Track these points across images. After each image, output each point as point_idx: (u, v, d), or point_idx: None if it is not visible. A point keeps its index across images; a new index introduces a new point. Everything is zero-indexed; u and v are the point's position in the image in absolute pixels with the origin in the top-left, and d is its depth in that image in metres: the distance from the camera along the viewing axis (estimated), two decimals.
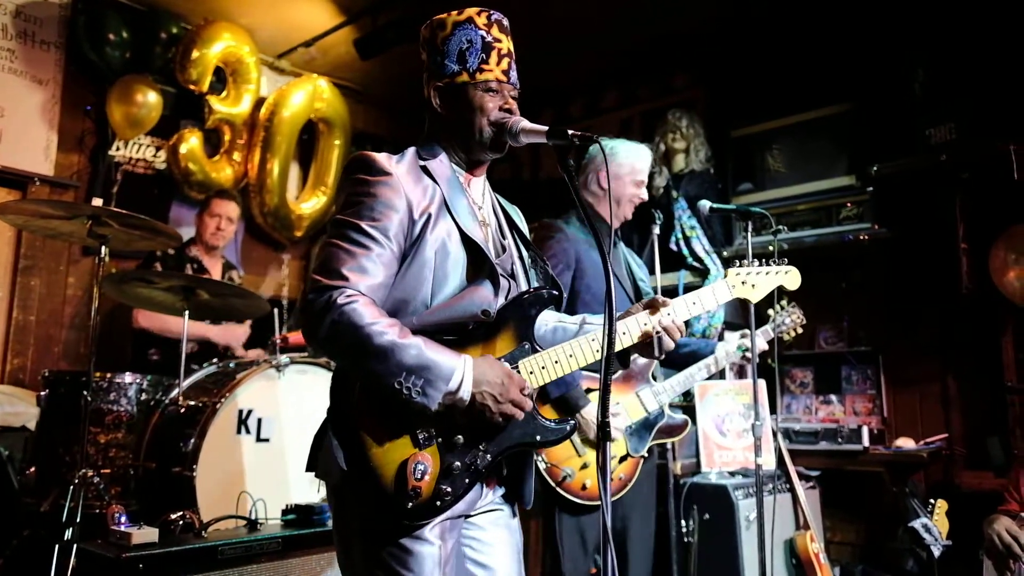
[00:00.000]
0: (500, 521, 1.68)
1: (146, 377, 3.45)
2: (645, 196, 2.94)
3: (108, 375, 3.35)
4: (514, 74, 1.70)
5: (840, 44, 4.38)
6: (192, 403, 3.09)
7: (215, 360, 3.56)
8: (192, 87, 4.61)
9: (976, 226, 3.89)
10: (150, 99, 4.46)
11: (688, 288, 4.45)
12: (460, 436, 1.51)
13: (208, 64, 4.59)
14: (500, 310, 1.60)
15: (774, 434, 3.62)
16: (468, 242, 1.60)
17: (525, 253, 1.78)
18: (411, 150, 1.67)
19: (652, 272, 3.29)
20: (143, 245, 3.48)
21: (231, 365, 3.45)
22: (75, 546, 2.61)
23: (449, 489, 1.49)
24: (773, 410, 4.02)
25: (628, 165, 2.88)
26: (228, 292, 3.42)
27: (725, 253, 4.47)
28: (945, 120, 3.84)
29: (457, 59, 1.64)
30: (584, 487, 2.64)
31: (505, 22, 1.70)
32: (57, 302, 4.47)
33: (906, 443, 3.92)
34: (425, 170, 1.62)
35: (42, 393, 3.38)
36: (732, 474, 3.63)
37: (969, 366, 4.00)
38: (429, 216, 1.57)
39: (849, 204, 4.18)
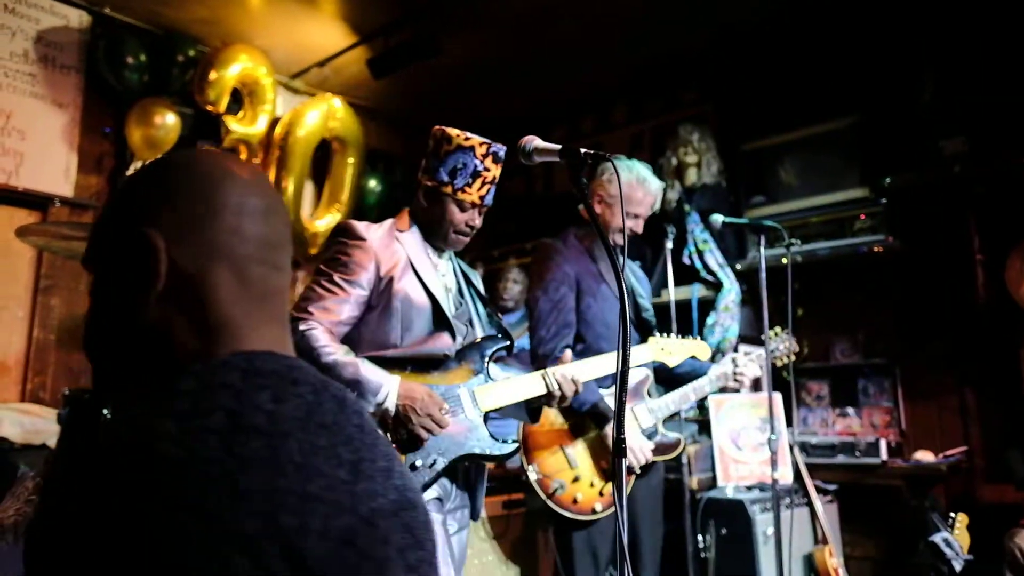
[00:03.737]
0: (453, 535, 1.98)
1: None
2: (638, 230, 2.82)
3: None
4: (490, 197, 2.06)
5: (849, 56, 4.39)
6: None
7: None
8: (210, 108, 4.67)
9: (991, 237, 3.87)
10: (168, 120, 4.53)
11: (702, 302, 4.45)
12: (420, 441, 1.84)
13: (226, 85, 4.66)
14: (461, 349, 2.02)
15: (791, 448, 3.60)
16: (431, 296, 1.99)
17: (482, 309, 2.19)
18: (390, 222, 2.08)
19: (665, 286, 3.30)
20: None
21: None
22: None
23: None
24: (789, 423, 4.00)
25: (625, 196, 2.76)
26: None
27: (739, 266, 4.47)
28: (957, 132, 3.84)
29: (449, 173, 1.99)
30: (575, 500, 2.62)
31: (502, 153, 2.03)
32: (77, 321, 4.53)
33: (925, 456, 3.89)
34: (397, 239, 2.03)
35: (62, 411, 3.41)
36: (749, 488, 3.61)
37: (987, 378, 3.97)
38: (394, 275, 1.96)
39: (863, 216, 4.17)
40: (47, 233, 3.14)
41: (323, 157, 5.40)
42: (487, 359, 2.04)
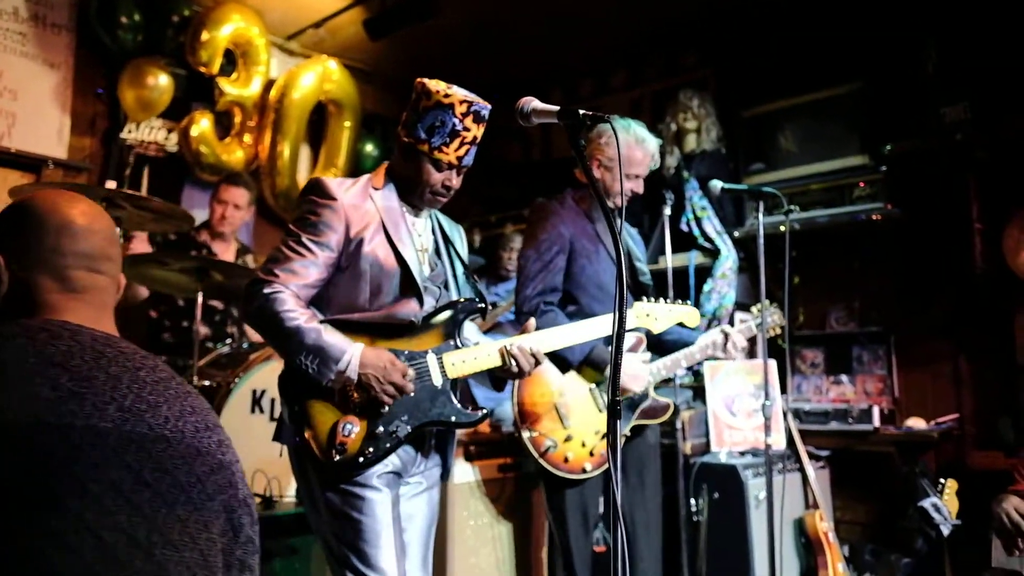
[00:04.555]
0: (421, 493, 1.99)
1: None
2: (639, 190, 2.80)
3: None
4: (469, 158, 1.97)
5: (852, 22, 4.33)
6: (206, 383, 3.13)
7: (228, 341, 3.60)
8: (203, 69, 4.61)
9: (990, 206, 3.86)
10: (161, 82, 4.46)
11: (699, 269, 4.45)
12: (384, 407, 1.82)
13: (218, 46, 4.59)
14: (432, 312, 1.96)
15: (784, 414, 3.63)
16: (400, 259, 1.93)
17: (460, 269, 2.12)
18: (366, 178, 2.01)
19: (662, 253, 3.29)
20: (157, 227, 3.51)
21: (244, 346, 3.49)
22: None
23: (372, 449, 1.81)
24: (784, 390, 4.03)
25: (623, 157, 2.71)
26: (242, 274, 3.45)
27: (736, 234, 4.46)
28: (959, 99, 3.80)
29: (426, 131, 1.91)
30: (566, 459, 2.67)
31: (484, 113, 1.94)
32: None
33: (917, 423, 3.93)
34: (371, 198, 1.96)
35: None
36: (742, 454, 3.65)
37: (981, 346, 3.99)
38: (363, 236, 1.91)
39: (862, 184, 4.15)
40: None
41: (319, 120, 5.35)
42: (459, 323, 1.99)
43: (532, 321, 2.08)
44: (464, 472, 3.03)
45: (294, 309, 1.80)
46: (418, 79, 1.96)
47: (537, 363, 2.00)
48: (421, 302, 1.95)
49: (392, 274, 1.92)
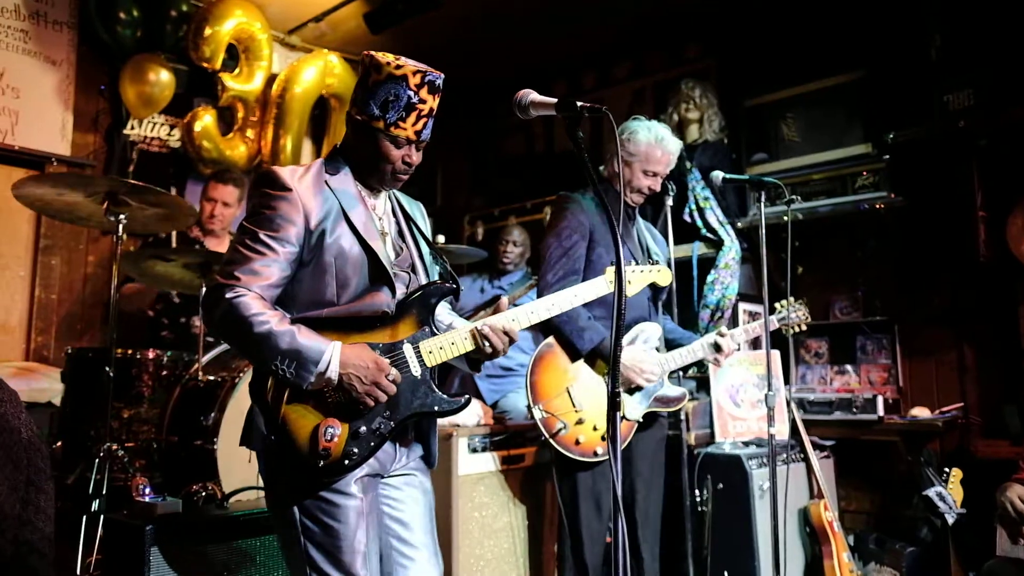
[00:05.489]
0: (414, 482, 1.93)
1: (166, 353, 3.51)
2: (656, 188, 2.91)
3: (129, 351, 3.42)
4: (427, 131, 1.86)
5: (854, 9, 4.30)
6: (211, 378, 3.15)
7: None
8: (205, 64, 4.61)
9: (994, 193, 3.84)
10: (163, 78, 4.47)
11: (702, 260, 4.44)
12: (365, 408, 1.73)
13: (220, 41, 4.59)
14: (403, 299, 1.86)
15: (788, 404, 3.63)
16: (366, 247, 1.82)
17: (425, 249, 2.01)
18: (318, 163, 1.88)
19: (665, 244, 3.29)
20: (160, 224, 3.52)
21: None
22: (102, 516, 2.68)
23: (356, 450, 1.73)
24: (788, 381, 4.03)
25: (642, 154, 2.85)
26: None
27: (739, 224, 4.45)
28: (964, 86, 3.77)
29: (380, 107, 1.79)
30: (577, 442, 2.70)
31: (439, 82, 1.83)
32: (77, 280, 4.54)
33: (921, 412, 3.92)
34: (327, 184, 1.84)
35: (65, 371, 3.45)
36: (746, 444, 3.65)
37: (985, 335, 3.98)
38: (325, 228, 1.79)
39: (865, 173, 4.14)
40: (46, 186, 3.12)
41: (321, 115, 5.35)
42: (432, 308, 1.90)
43: (505, 299, 2.00)
44: (469, 464, 3.04)
45: (262, 312, 1.68)
46: (365, 51, 1.84)
47: (511, 341, 1.92)
48: (393, 291, 1.85)
49: (359, 264, 1.82)
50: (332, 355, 1.70)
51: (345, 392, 1.72)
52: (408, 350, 1.84)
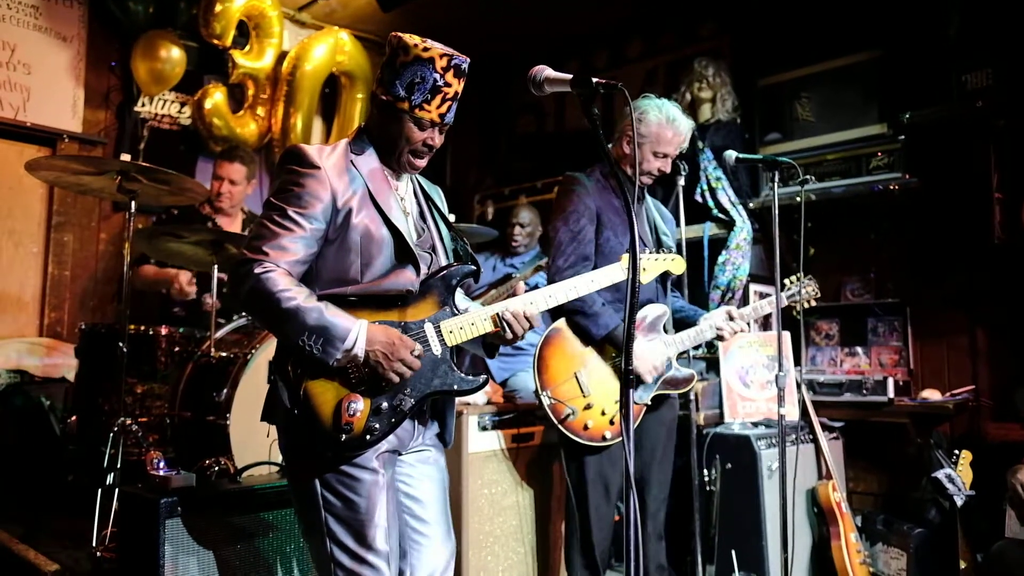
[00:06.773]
0: (428, 460, 1.96)
1: (179, 329, 3.53)
2: (667, 169, 2.86)
3: (143, 328, 3.44)
4: (451, 114, 1.88)
5: None
6: (224, 355, 3.17)
7: (244, 313, 3.63)
8: (216, 42, 4.60)
9: (1010, 175, 3.80)
10: (174, 55, 4.46)
11: (713, 240, 4.42)
12: (390, 385, 1.76)
13: (231, 18, 4.58)
14: (425, 279, 1.89)
15: (798, 385, 3.63)
16: (392, 227, 1.84)
17: (445, 231, 2.05)
18: (344, 143, 1.89)
19: (677, 224, 3.28)
20: (171, 200, 3.53)
21: None
22: (117, 490, 2.72)
23: (377, 426, 1.76)
24: (798, 362, 4.02)
25: (653, 135, 2.79)
26: None
27: (751, 204, 4.42)
28: (982, 66, 3.72)
29: (406, 88, 1.81)
30: (586, 427, 2.70)
31: (464, 66, 1.84)
32: (90, 257, 4.57)
33: (932, 395, 3.91)
34: (353, 164, 1.85)
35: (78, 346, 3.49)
36: (755, 425, 3.66)
37: (999, 317, 3.95)
38: (351, 207, 1.81)
39: (880, 153, 4.09)
40: (56, 168, 3.14)
41: (331, 92, 5.34)
42: (453, 289, 1.92)
43: (521, 284, 2.04)
44: (479, 441, 3.06)
45: (289, 288, 1.71)
46: (392, 33, 1.85)
47: (531, 326, 1.95)
48: (418, 270, 1.88)
49: (383, 244, 1.84)
50: (359, 332, 1.73)
51: (371, 369, 1.74)
52: (430, 329, 1.86)
